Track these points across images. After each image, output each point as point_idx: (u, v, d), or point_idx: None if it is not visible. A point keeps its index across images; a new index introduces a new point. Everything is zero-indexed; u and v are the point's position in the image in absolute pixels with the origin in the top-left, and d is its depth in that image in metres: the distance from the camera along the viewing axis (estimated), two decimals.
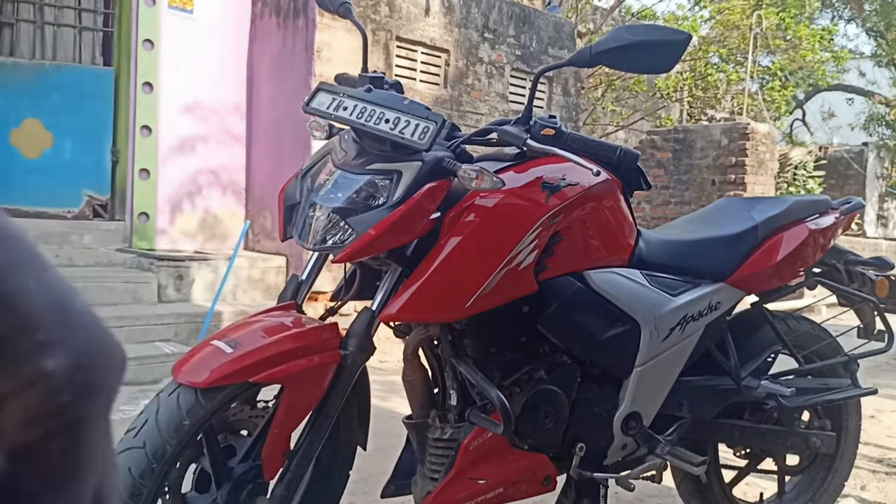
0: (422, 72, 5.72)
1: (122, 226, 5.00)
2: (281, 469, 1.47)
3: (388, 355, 4.18)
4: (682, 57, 1.57)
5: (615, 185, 1.68)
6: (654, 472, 1.84)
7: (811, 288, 2.14)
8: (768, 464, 2.16)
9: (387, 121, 1.47)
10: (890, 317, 2.15)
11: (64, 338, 0.29)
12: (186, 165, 5.23)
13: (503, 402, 1.55)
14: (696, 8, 12.40)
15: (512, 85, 6.33)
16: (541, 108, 6.58)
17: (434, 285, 1.46)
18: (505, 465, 1.63)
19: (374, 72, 1.71)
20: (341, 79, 1.76)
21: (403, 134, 1.45)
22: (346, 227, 1.46)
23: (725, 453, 2.12)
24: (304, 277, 1.65)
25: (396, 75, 5.38)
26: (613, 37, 1.48)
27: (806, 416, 2.11)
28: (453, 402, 1.65)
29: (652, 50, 1.46)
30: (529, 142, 1.54)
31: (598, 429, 1.73)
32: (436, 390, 1.72)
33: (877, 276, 2.11)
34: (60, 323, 0.29)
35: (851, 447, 2.23)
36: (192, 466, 1.49)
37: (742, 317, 2.05)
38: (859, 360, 2.15)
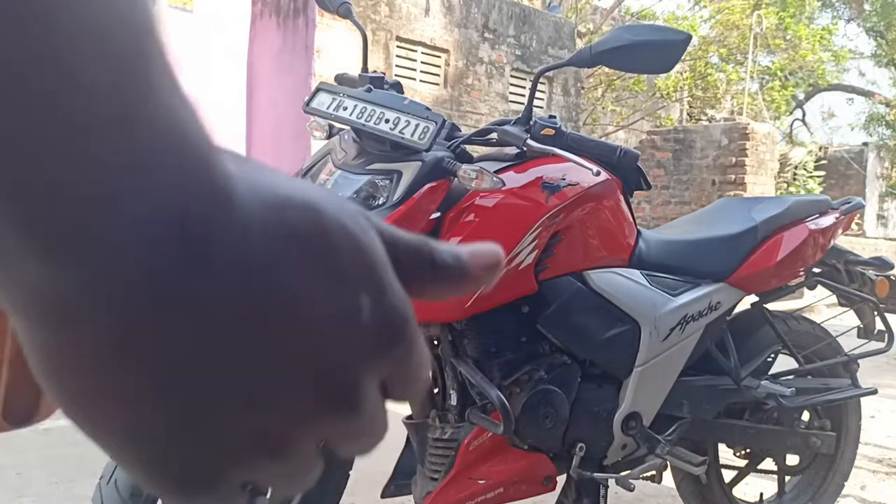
0: (422, 72, 5.72)
1: None
2: None
3: None
4: (682, 57, 1.57)
5: (615, 185, 1.68)
6: (654, 472, 1.84)
7: (811, 288, 2.14)
8: (768, 464, 2.16)
9: (387, 121, 1.47)
10: (890, 317, 2.15)
11: None
12: None
13: (503, 402, 1.55)
14: (696, 8, 12.42)
15: (512, 85, 6.33)
16: (541, 108, 6.58)
17: None
18: (505, 465, 1.63)
19: (374, 72, 1.71)
20: (341, 79, 1.76)
21: (403, 134, 1.45)
22: None
23: (725, 453, 2.12)
24: None
25: (396, 75, 5.38)
26: (613, 37, 1.48)
27: (806, 416, 2.11)
28: (453, 402, 1.65)
29: (652, 50, 1.46)
30: (529, 142, 1.54)
31: (598, 429, 1.73)
32: (436, 390, 1.72)
33: (877, 276, 2.11)
34: None
35: (851, 447, 2.23)
36: None
37: (742, 317, 2.05)
38: (859, 360, 2.15)
